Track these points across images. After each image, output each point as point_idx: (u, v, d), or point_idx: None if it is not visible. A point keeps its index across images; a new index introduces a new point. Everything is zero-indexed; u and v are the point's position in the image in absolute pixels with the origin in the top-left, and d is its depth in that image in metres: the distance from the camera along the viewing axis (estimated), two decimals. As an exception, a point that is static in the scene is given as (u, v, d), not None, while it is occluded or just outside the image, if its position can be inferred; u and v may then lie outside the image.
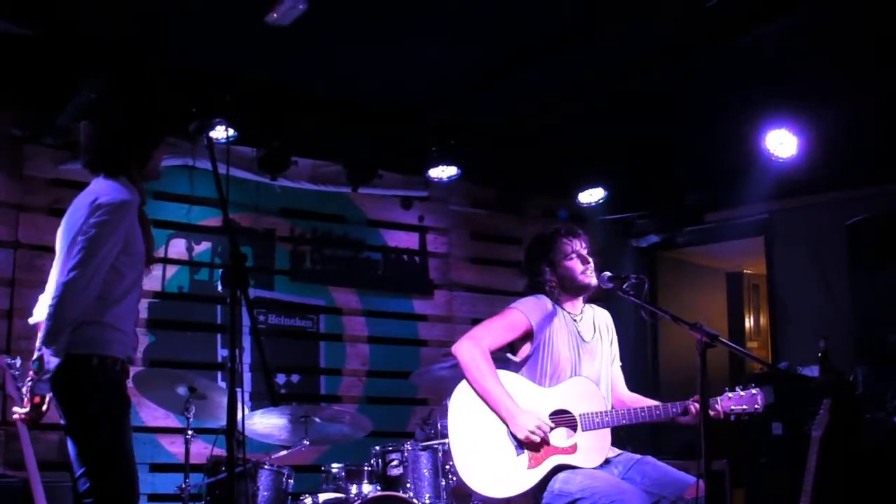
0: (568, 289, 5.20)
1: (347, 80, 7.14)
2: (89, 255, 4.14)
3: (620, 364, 5.43)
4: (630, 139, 8.01)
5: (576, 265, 5.14)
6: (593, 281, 5.14)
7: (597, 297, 5.34)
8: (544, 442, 4.87)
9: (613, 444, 5.17)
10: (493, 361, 5.09)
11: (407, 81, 7.20)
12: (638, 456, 5.05)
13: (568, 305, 5.24)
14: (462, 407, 5.04)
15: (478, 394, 4.99)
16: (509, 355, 5.29)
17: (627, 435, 5.45)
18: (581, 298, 5.28)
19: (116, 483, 4.21)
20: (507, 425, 4.89)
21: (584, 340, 5.18)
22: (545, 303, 5.20)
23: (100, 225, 4.17)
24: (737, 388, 4.83)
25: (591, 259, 5.15)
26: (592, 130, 7.89)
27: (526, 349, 5.17)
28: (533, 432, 4.84)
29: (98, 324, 4.22)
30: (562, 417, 4.95)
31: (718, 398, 4.81)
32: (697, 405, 4.74)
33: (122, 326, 4.29)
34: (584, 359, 5.14)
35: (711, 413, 4.65)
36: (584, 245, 5.19)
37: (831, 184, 8.24)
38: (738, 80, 6.89)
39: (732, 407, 4.79)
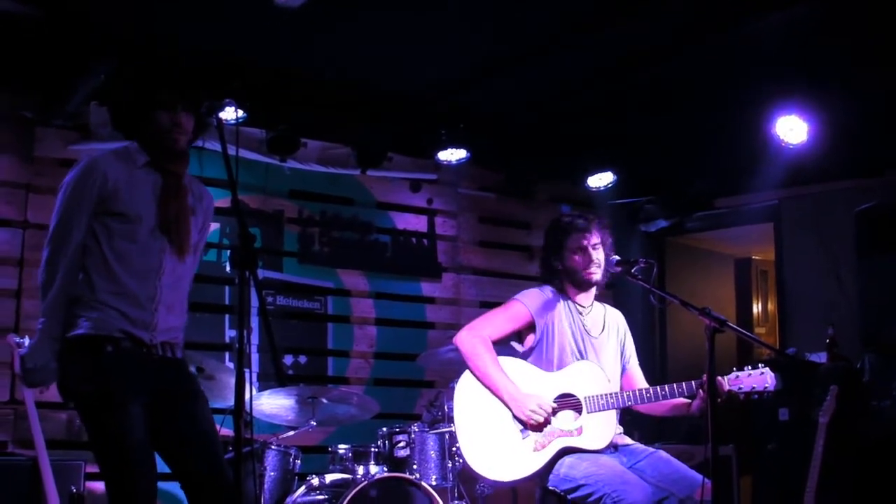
0: (574, 280, 5.21)
1: (357, 62, 7.12)
2: (52, 230, 4.16)
3: (638, 362, 5.44)
4: (640, 123, 7.99)
5: (581, 260, 5.14)
6: (595, 277, 5.16)
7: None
8: (547, 423, 4.90)
9: (624, 431, 5.20)
10: (498, 350, 5.12)
11: (417, 65, 7.18)
12: (651, 449, 5.06)
13: (577, 297, 5.25)
14: (467, 393, 5.07)
15: (480, 381, 5.03)
16: (515, 344, 5.31)
17: (634, 421, 5.46)
18: (591, 292, 5.29)
19: (117, 484, 4.04)
20: (510, 408, 4.92)
21: (590, 334, 5.19)
22: (548, 294, 5.23)
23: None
24: (746, 368, 4.84)
25: (596, 256, 5.15)
26: (602, 114, 7.86)
27: (530, 339, 5.20)
28: (534, 411, 4.87)
29: (72, 302, 4.11)
30: (566, 400, 4.97)
31: (727, 377, 4.81)
32: (705, 385, 4.75)
33: (107, 299, 4.11)
34: (590, 352, 5.15)
35: (719, 399, 4.64)
36: (594, 241, 5.18)
37: (841, 171, 8.21)
38: (749, 65, 6.86)
39: (741, 386, 4.79)
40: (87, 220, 4.12)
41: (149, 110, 4.23)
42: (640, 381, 5.32)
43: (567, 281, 5.24)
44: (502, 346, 5.24)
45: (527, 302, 5.19)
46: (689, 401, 4.98)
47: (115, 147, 4.36)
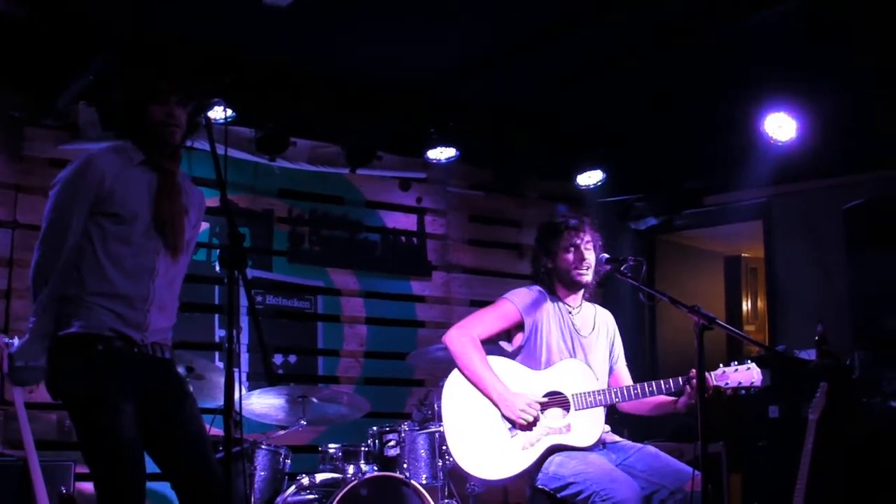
0: (563, 280, 5.21)
1: (347, 61, 7.12)
2: (45, 228, 4.11)
3: (626, 363, 5.45)
4: (629, 122, 8.00)
5: (571, 259, 5.14)
6: (585, 279, 5.16)
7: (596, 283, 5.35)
8: (536, 422, 4.90)
9: (612, 429, 5.20)
10: (486, 349, 5.12)
11: (406, 63, 7.18)
12: (639, 445, 5.07)
13: (566, 297, 5.25)
14: (455, 392, 5.08)
15: (468, 380, 5.03)
16: (503, 343, 5.31)
17: (622, 418, 5.46)
18: (580, 293, 5.29)
19: (106, 483, 4.01)
20: (499, 408, 4.92)
21: (579, 334, 5.20)
22: (536, 293, 5.23)
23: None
24: (732, 363, 4.84)
25: (588, 256, 5.14)
26: (591, 113, 7.88)
27: (519, 338, 5.20)
28: (524, 410, 4.87)
29: (63, 300, 4.08)
30: (554, 398, 4.97)
31: (713, 372, 4.81)
32: (692, 381, 4.76)
33: (99, 300, 4.07)
34: (579, 351, 5.16)
35: (707, 393, 4.64)
36: (586, 241, 5.18)
37: (830, 168, 8.22)
38: (738, 63, 6.88)
39: (728, 381, 4.79)
40: (82, 219, 4.08)
41: (143, 104, 4.20)
42: (626, 381, 5.33)
43: (557, 281, 5.24)
44: (491, 345, 5.24)
45: (515, 300, 5.20)
46: (673, 398, 4.98)
47: (111, 144, 4.32)
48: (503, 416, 4.93)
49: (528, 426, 4.89)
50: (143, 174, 4.21)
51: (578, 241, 5.15)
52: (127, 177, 4.16)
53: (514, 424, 4.91)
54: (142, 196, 4.18)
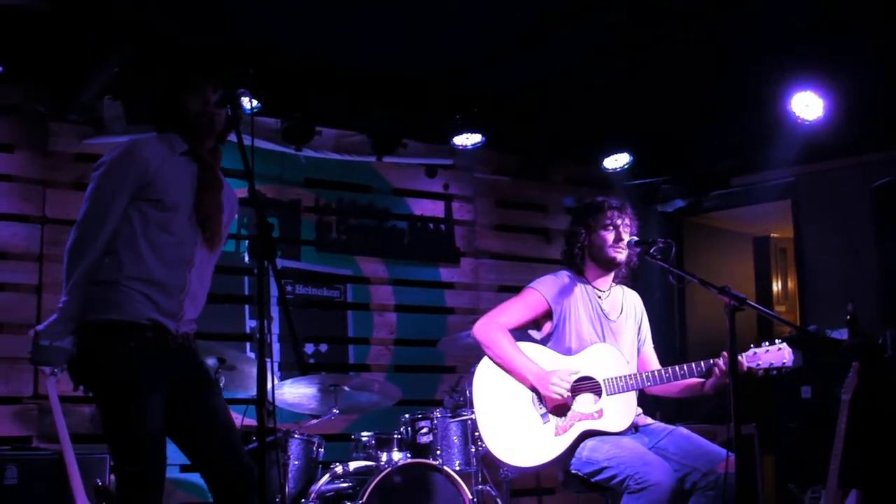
0: (596, 258, 5.20)
1: (371, 49, 7.12)
2: (85, 210, 4.12)
3: (652, 345, 5.44)
4: (655, 103, 7.96)
5: (609, 236, 5.14)
6: (620, 257, 5.15)
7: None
8: (568, 405, 4.89)
9: (644, 411, 5.19)
10: (515, 336, 5.12)
11: (431, 50, 7.17)
12: (671, 427, 5.06)
13: (595, 281, 5.24)
14: (486, 379, 5.08)
15: (501, 366, 5.03)
16: (532, 332, 5.31)
17: (655, 401, 5.45)
18: (609, 276, 5.28)
19: (127, 472, 4.04)
20: (536, 387, 4.91)
21: (608, 318, 5.19)
22: (563, 279, 5.22)
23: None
24: (764, 344, 4.82)
25: (625, 239, 5.13)
26: (617, 96, 7.84)
27: (548, 326, 5.20)
28: (555, 384, 4.86)
29: (99, 284, 4.09)
30: (586, 383, 4.97)
31: (745, 354, 4.79)
32: (722, 362, 4.74)
33: (137, 285, 4.09)
34: (608, 335, 5.15)
35: (740, 369, 4.63)
36: (626, 223, 5.18)
37: (858, 146, 8.17)
38: (764, 41, 6.83)
39: (759, 362, 4.77)
40: (123, 204, 4.10)
41: (179, 97, 4.26)
42: (653, 363, 5.32)
43: (590, 260, 5.24)
44: (519, 332, 5.24)
45: (542, 289, 5.20)
46: (701, 380, 4.98)
47: (155, 133, 4.35)
48: (542, 395, 4.92)
49: (562, 408, 4.89)
50: (187, 164, 4.26)
51: (619, 222, 5.15)
52: (170, 165, 4.20)
53: (549, 402, 4.90)
54: (184, 186, 4.22)
